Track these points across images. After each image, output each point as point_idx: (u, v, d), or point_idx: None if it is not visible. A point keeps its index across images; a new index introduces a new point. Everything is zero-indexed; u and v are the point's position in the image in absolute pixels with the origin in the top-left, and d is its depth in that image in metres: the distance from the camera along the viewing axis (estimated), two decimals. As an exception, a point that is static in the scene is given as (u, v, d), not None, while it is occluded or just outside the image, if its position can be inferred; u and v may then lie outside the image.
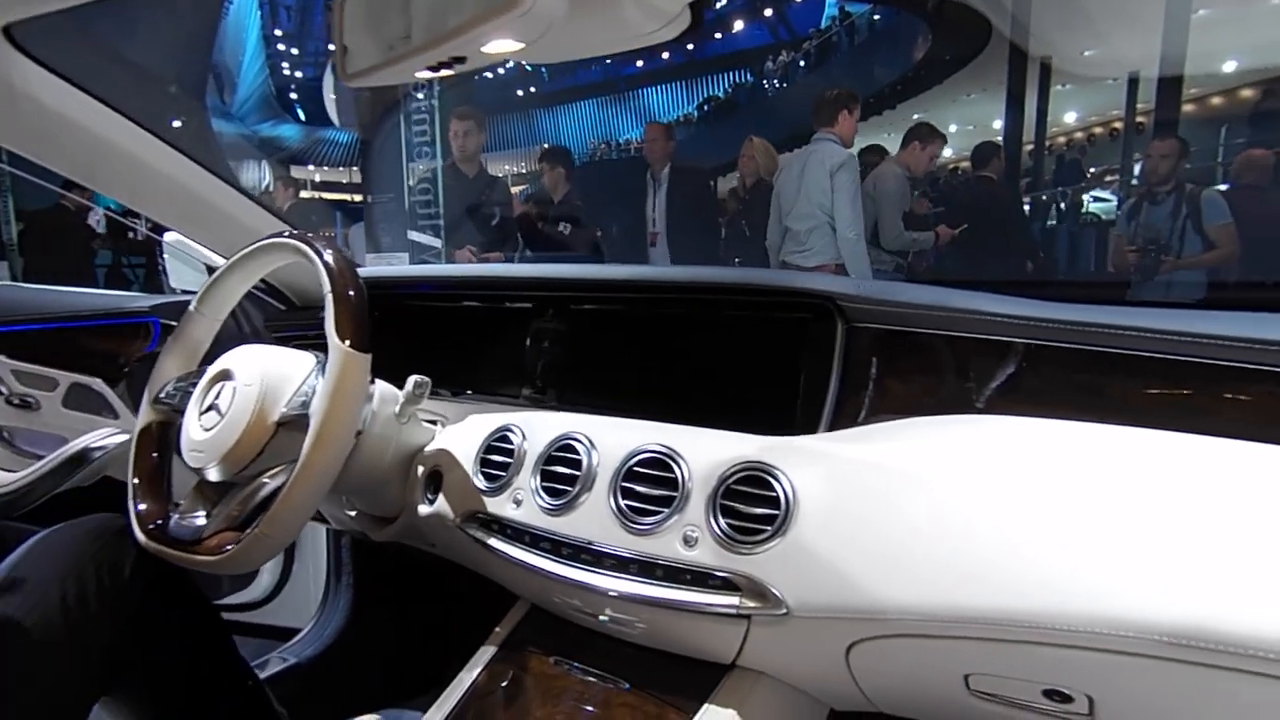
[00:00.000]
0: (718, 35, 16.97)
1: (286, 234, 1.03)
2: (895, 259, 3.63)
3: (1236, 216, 3.31)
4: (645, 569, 0.84)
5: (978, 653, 0.72)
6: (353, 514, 1.20)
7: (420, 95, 4.02)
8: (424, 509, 1.06)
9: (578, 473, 0.91)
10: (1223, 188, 4.23)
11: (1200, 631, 0.59)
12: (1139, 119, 8.42)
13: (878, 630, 0.74)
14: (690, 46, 17.65)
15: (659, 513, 0.84)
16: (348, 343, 0.88)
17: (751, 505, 0.80)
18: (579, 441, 0.93)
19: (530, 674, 0.95)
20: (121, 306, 1.62)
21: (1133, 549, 0.64)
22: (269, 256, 1.06)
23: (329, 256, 0.94)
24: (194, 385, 1.03)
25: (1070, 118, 12.05)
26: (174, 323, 1.18)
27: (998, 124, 9.50)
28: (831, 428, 0.91)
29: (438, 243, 3.81)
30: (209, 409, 0.97)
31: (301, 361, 1.00)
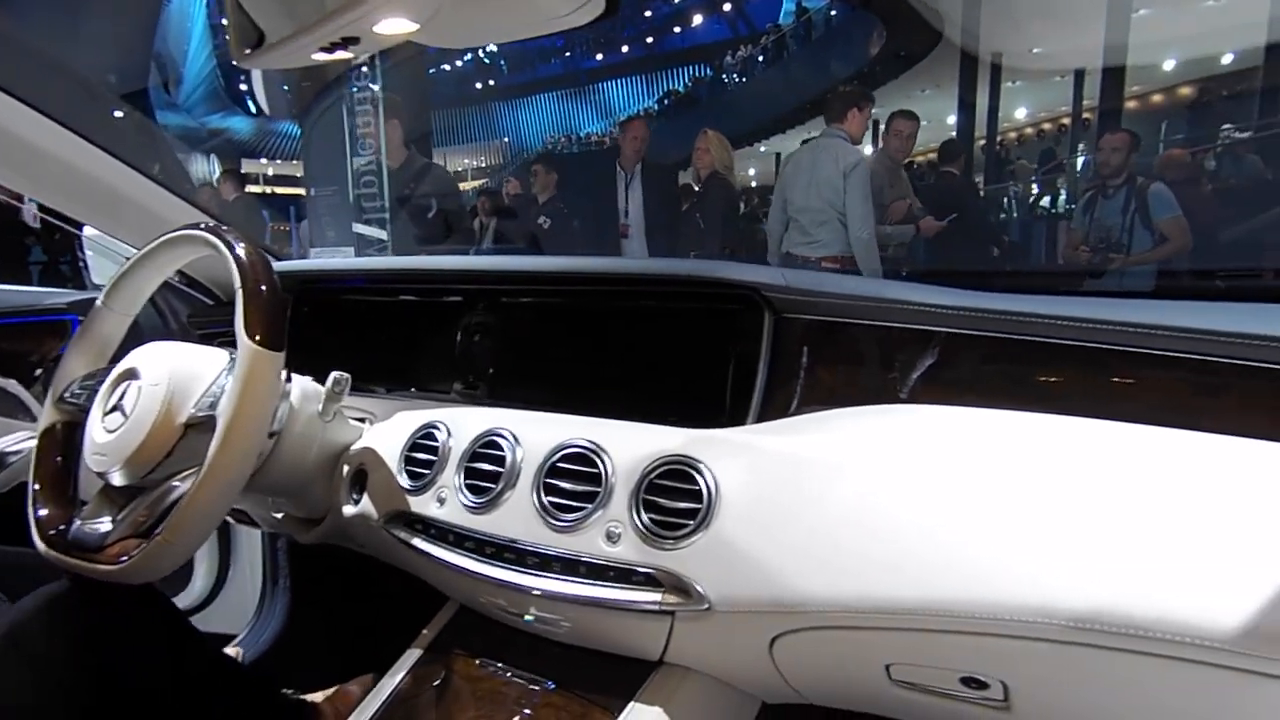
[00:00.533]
0: (677, 30, 16.97)
1: (201, 226, 0.99)
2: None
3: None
4: (568, 566, 0.82)
5: (897, 642, 0.72)
6: (279, 516, 1.16)
7: (363, 84, 3.93)
8: (349, 509, 1.02)
9: (501, 469, 0.89)
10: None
11: (1102, 616, 0.59)
12: (1085, 115, 8.65)
13: (799, 623, 0.74)
14: (650, 40, 17.63)
15: (582, 509, 0.83)
16: (258, 340, 0.84)
17: (674, 499, 0.79)
18: (503, 437, 0.91)
19: (456, 676, 0.93)
20: (38, 304, 1.55)
21: (1042, 536, 0.64)
22: (180, 249, 1.01)
23: (241, 250, 0.90)
24: (101, 384, 0.98)
25: (1021, 113, 12.34)
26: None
27: (951, 119, 9.67)
28: (761, 419, 0.90)
29: (383, 234, 3.74)
30: (113, 409, 0.92)
31: (214, 360, 0.96)
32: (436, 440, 0.97)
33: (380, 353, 1.27)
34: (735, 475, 0.79)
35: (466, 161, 19.19)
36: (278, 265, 1.34)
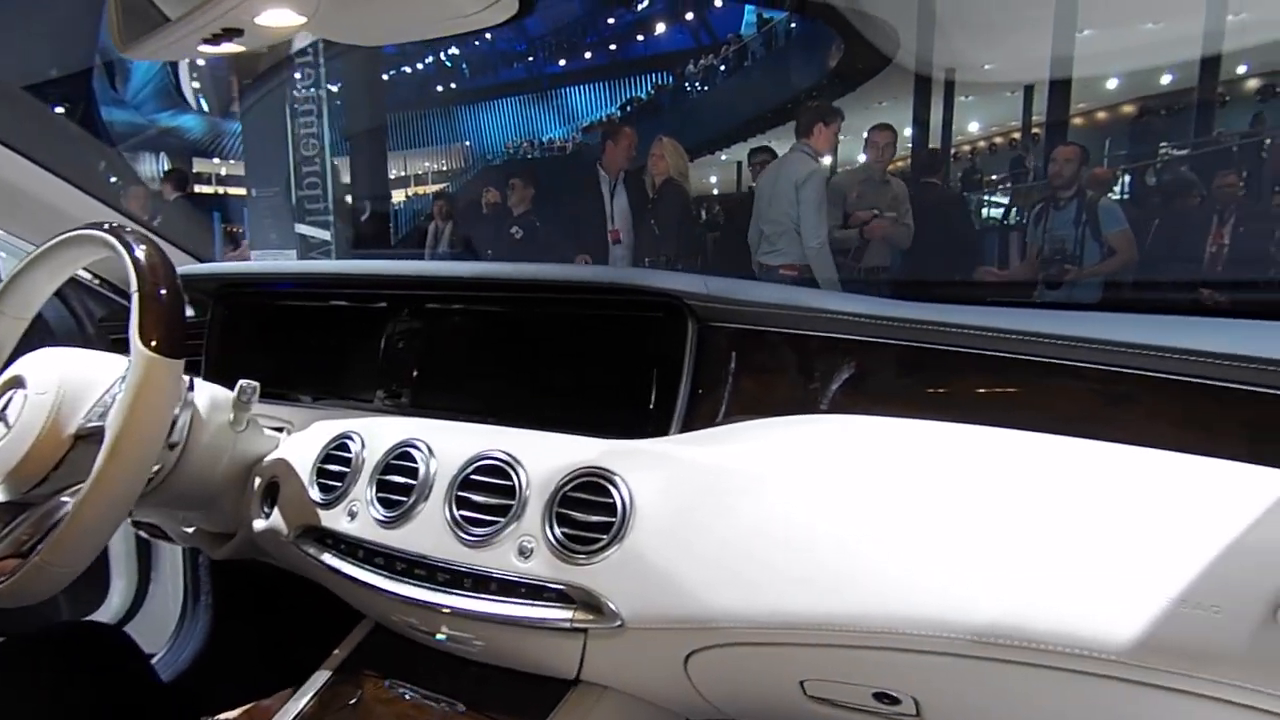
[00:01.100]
0: (640, 37, 17.02)
1: (104, 225, 0.93)
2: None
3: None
4: (479, 583, 0.79)
5: (810, 658, 0.71)
6: (190, 530, 1.11)
7: (307, 84, 3.84)
8: (259, 523, 0.98)
9: (414, 482, 0.86)
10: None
11: (1003, 629, 0.59)
12: (1034, 130, 8.90)
13: (713, 639, 0.72)
14: (613, 48, 17.65)
15: (495, 523, 0.80)
16: (154, 346, 0.80)
17: (589, 513, 0.77)
18: (417, 448, 0.88)
19: (367, 697, 0.89)
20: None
21: (948, 548, 0.64)
22: (78, 250, 0.95)
23: (140, 251, 0.85)
24: None
25: (974, 126, 12.66)
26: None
27: (907, 131, 9.87)
28: (687, 429, 0.89)
29: (327, 235, 3.65)
30: None
31: (112, 367, 0.91)
32: (350, 451, 0.93)
33: (304, 359, 1.22)
34: (651, 487, 0.77)
35: (427, 165, 18.94)
36: (197, 268, 1.29)
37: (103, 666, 1.05)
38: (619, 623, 0.73)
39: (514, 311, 1.03)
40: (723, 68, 13.64)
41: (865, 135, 3.89)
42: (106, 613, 1.66)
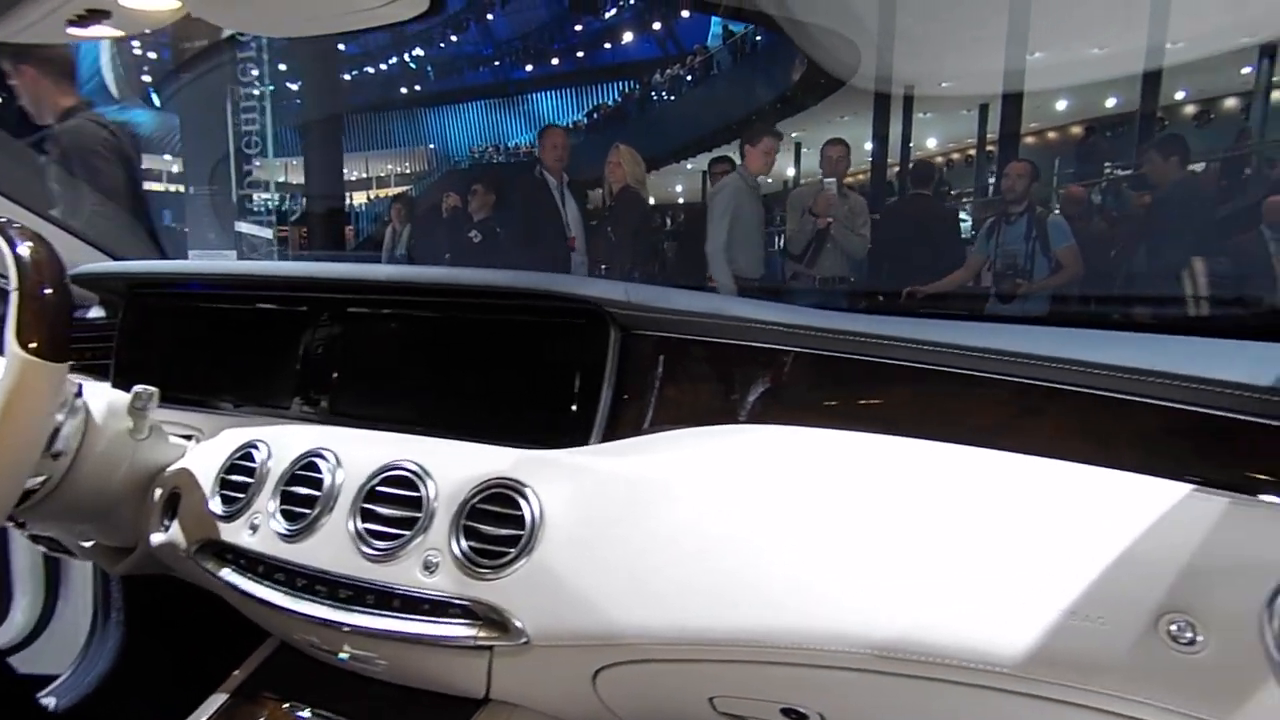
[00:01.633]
0: (608, 45, 17.05)
1: None
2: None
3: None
4: (382, 599, 0.76)
5: (719, 674, 0.69)
6: (89, 545, 1.05)
7: (249, 81, 3.74)
8: (157, 537, 0.93)
9: (319, 493, 0.82)
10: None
11: (903, 644, 0.58)
12: (989, 146, 9.13)
13: (620, 656, 0.70)
14: (580, 55, 17.64)
15: (400, 536, 0.77)
16: (33, 349, 0.75)
17: (497, 525, 0.74)
18: (324, 459, 0.84)
19: (266, 721, 0.85)
20: None
21: (852, 562, 0.63)
22: None
23: (23, 247, 0.80)
24: None
25: (931, 142, 12.95)
26: None
27: (868, 145, 10.04)
28: (610, 438, 0.87)
29: (269, 234, 3.56)
30: None
31: None
32: (255, 461, 0.89)
33: (220, 363, 1.17)
34: (562, 499, 0.75)
35: (390, 167, 18.68)
36: (102, 266, 1.23)
37: None
38: (525, 640, 0.71)
39: (437, 317, 1.00)
40: (689, 78, 13.73)
41: (820, 149, 3.96)
42: (8, 633, 1.57)
